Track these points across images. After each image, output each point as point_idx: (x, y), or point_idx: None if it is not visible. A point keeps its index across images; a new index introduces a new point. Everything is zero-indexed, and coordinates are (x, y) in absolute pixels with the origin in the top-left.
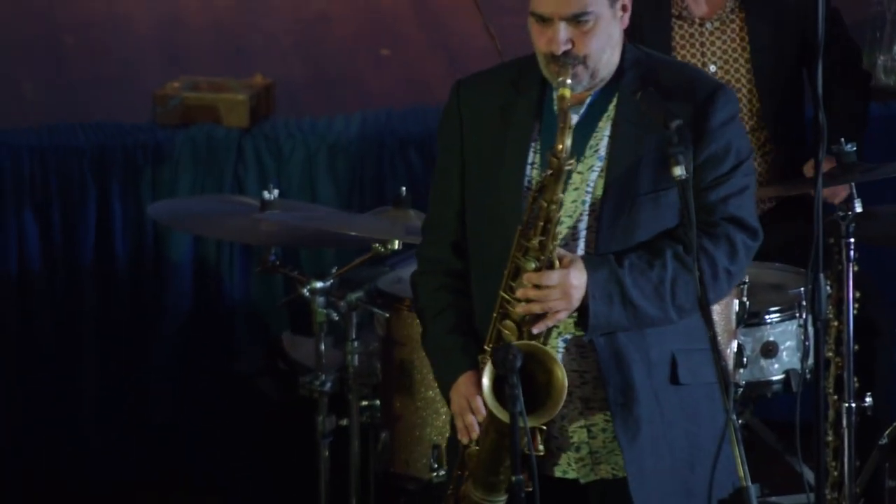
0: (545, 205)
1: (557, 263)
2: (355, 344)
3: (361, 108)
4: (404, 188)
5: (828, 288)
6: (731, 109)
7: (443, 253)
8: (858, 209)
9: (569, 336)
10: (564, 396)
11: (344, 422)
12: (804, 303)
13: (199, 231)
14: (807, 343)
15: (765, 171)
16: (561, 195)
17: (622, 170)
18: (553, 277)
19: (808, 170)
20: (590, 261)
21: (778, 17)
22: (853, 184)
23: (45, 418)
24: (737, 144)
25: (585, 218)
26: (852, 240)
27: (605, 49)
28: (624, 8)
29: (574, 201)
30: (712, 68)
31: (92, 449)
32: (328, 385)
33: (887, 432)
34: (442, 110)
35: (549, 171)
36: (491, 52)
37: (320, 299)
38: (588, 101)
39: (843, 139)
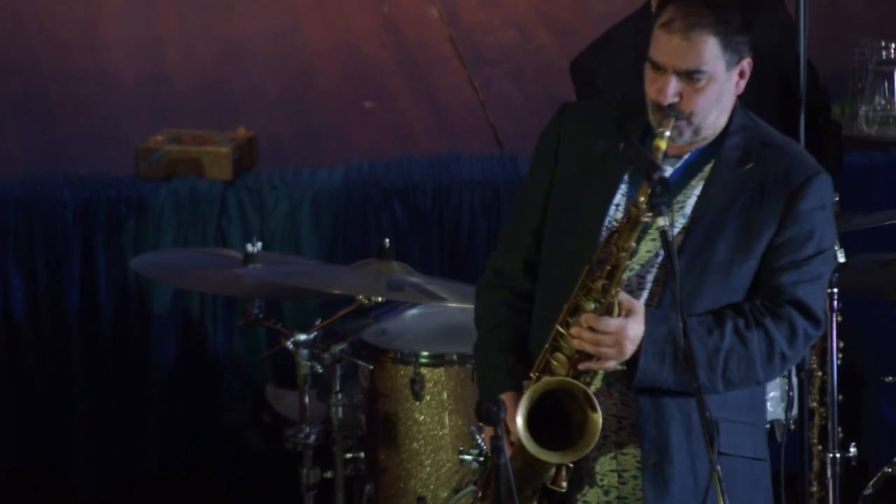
0: (615, 250)
1: (617, 309)
2: (339, 396)
3: (345, 159)
4: (388, 240)
5: None
6: (823, 197)
7: (513, 269)
8: (841, 259)
9: (614, 380)
10: (596, 439)
11: (328, 474)
12: None
13: (182, 284)
14: (791, 393)
15: None
16: (633, 244)
17: (703, 232)
18: (610, 325)
19: None
20: (652, 315)
21: (760, 71)
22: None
23: (34, 468)
24: (820, 232)
25: (654, 270)
26: (836, 290)
27: (713, 110)
28: (741, 74)
29: (649, 251)
30: None
31: (80, 498)
32: (312, 437)
33: (872, 482)
34: (544, 128)
35: (626, 220)
36: (473, 102)
37: (304, 352)
38: (686, 157)
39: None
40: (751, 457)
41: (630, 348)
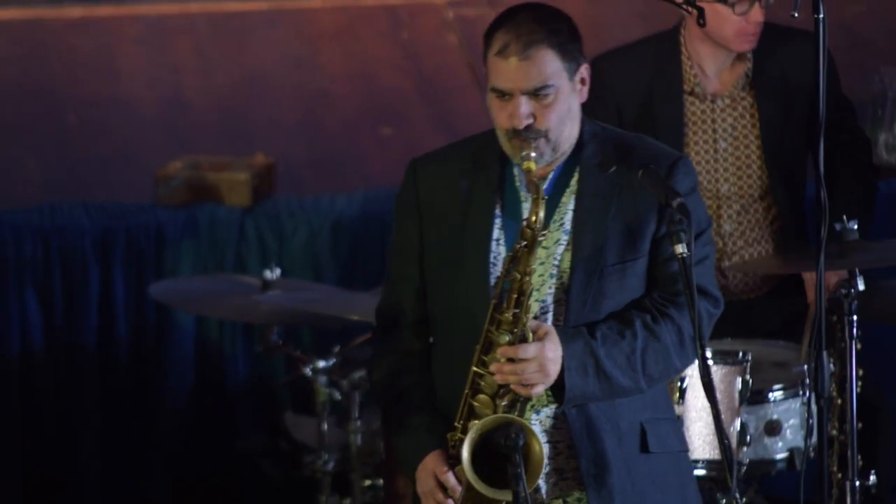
0: (518, 276)
1: (531, 336)
2: (358, 423)
3: (363, 186)
4: None
5: (831, 366)
6: (692, 180)
7: (402, 334)
8: (861, 287)
9: (542, 409)
10: (542, 470)
11: (347, 501)
12: (808, 380)
13: (201, 311)
14: (810, 421)
15: (772, 245)
16: (534, 266)
17: (588, 243)
18: (529, 350)
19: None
20: (564, 333)
21: (786, 96)
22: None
23: (49, 498)
24: (697, 215)
25: (553, 291)
26: (855, 317)
27: (566, 122)
28: (583, 81)
29: (541, 275)
30: (723, 144)
31: None
32: (331, 464)
33: None
34: (398, 190)
35: (524, 243)
36: (492, 129)
37: (322, 378)
38: (551, 176)
39: (845, 216)
40: (678, 450)
41: (553, 369)
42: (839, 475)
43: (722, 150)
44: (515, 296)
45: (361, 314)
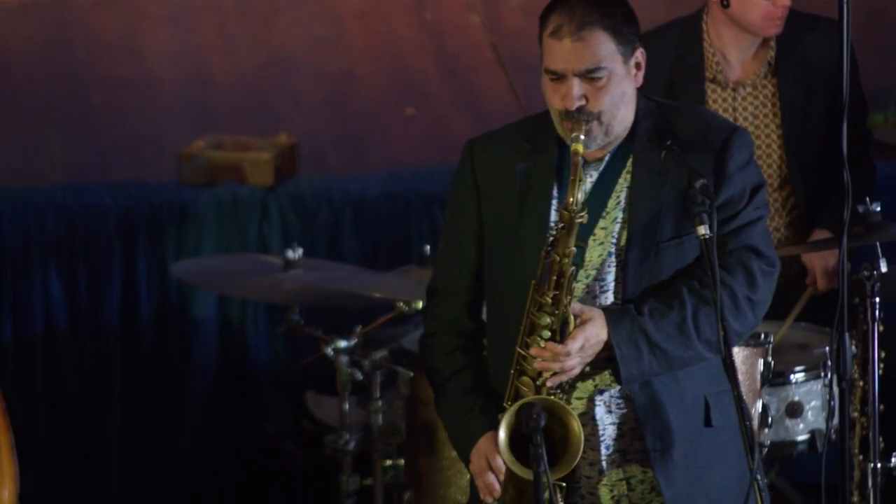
0: (557, 258)
1: (572, 319)
2: (379, 403)
3: (387, 166)
4: (428, 247)
5: (853, 347)
6: (748, 152)
7: (457, 314)
8: (884, 269)
9: (606, 389)
10: (581, 450)
11: (368, 481)
12: (829, 362)
13: (223, 290)
14: (832, 403)
15: (791, 234)
16: (573, 248)
17: (644, 219)
18: (573, 347)
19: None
20: (611, 314)
21: (809, 85)
22: (878, 244)
23: (73, 478)
24: (752, 183)
25: (613, 269)
26: (878, 299)
27: (619, 106)
28: (638, 66)
29: (600, 255)
30: None
31: None
32: (352, 444)
33: None
34: (455, 171)
35: (561, 224)
36: (515, 109)
37: (344, 358)
38: (607, 158)
39: (868, 198)
40: (736, 424)
41: (592, 352)
42: (861, 457)
43: None
44: (555, 278)
45: (383, 293)
